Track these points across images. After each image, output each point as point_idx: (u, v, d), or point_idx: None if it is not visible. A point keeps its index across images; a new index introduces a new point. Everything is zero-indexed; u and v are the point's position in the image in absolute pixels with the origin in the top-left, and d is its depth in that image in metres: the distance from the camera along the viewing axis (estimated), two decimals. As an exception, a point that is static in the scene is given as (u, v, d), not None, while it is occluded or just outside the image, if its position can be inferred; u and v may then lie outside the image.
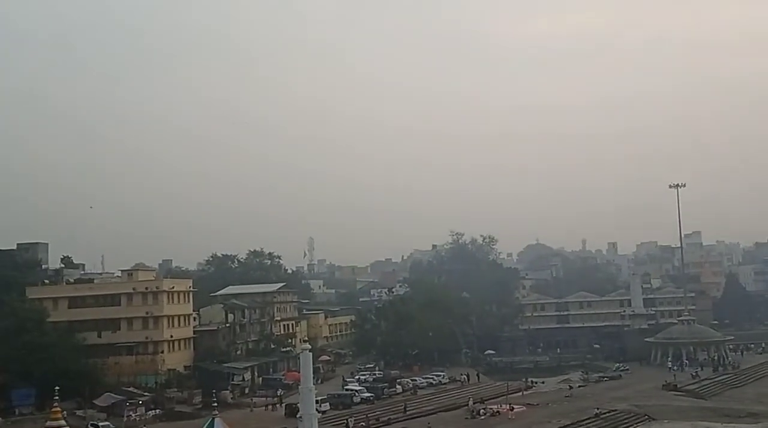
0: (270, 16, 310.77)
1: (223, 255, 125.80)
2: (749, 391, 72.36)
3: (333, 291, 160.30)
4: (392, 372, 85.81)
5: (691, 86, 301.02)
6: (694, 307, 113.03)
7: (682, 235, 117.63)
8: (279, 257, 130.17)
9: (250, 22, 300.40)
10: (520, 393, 70.70)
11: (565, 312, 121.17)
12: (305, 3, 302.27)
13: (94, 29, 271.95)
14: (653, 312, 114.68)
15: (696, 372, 79.98)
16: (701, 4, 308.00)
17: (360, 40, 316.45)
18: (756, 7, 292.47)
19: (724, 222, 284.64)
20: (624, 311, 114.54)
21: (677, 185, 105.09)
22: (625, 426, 55.44)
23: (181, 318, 77.25)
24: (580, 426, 53.23)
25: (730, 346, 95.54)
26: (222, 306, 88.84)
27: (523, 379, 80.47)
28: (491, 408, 60.06)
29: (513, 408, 60.04)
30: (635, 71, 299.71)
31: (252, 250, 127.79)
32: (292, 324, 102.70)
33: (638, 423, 56.23)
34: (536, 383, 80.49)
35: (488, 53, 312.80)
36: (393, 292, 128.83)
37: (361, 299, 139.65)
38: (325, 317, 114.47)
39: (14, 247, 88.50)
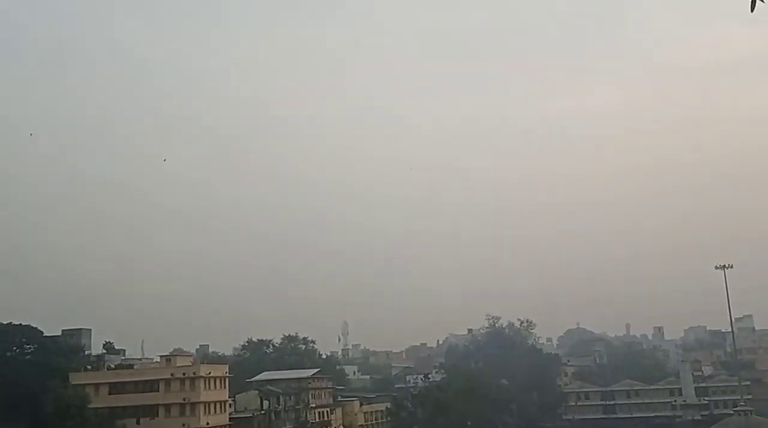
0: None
1: (258, 340, 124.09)
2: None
3: (368, 376, 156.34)
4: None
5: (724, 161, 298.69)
6: (750, 396, 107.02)
7: (733, 319, 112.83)
8: (313, 342, 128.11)
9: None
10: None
11: (611, 402, 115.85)
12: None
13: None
14: (706, 401, 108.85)
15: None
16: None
17: (378, 121, 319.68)
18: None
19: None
20: (675, 400, 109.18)
21: (724, 267, 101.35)
22: None
23: (218, 405, 74.92)
24: None
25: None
26: (257, 392, 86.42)
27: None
28: None
29: None
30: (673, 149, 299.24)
31: (286, 335, 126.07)
32: (327, 412, 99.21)
33: None
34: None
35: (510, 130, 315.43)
36: (429, 378, 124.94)
37: (396, 385, 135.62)
38: (360, 404, 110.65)
39: (59, 333, 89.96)
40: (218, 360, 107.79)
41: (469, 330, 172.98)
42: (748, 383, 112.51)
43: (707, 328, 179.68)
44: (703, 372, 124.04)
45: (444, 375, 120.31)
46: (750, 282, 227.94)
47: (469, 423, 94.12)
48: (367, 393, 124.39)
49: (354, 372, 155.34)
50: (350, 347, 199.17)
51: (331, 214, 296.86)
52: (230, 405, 79.90)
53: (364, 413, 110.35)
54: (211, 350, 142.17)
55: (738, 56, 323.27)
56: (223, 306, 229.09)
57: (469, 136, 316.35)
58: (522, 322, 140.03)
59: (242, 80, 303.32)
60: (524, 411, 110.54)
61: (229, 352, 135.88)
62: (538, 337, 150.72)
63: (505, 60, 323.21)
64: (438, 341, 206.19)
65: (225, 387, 77.54)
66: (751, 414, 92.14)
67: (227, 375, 79.12)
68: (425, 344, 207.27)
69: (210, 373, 74.87)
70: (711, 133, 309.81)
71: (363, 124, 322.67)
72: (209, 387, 73.71)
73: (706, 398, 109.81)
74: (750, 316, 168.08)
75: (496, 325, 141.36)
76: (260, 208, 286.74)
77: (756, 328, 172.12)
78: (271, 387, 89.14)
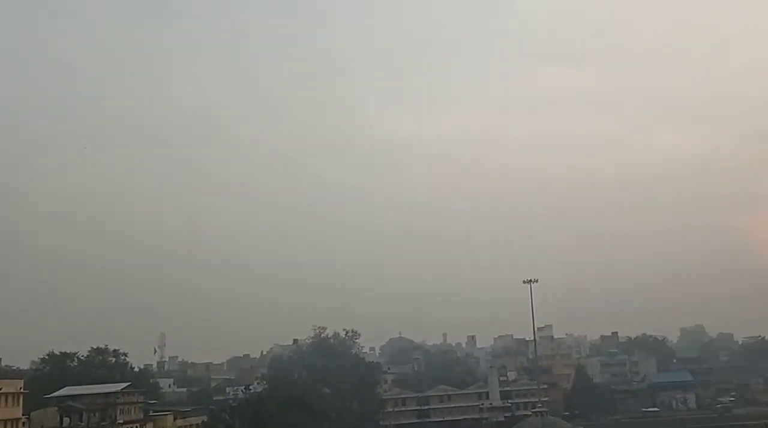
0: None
1: (61, 353, 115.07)
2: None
3: (185, 389, 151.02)
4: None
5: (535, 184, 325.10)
6: (546, 399, 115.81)
7: (536, 329, 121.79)
8: (125, 354, 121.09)
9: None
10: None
11: (426, 407, 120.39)
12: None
13: None
14: (509, 404, 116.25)
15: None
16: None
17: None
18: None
19: (572, 316, 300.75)
20: (483, 404, 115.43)
21: (530, 281, 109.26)
22: None
23: (9, 424, 69.09)
24: None
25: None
26: (56, 409, 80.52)
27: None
28: None
29: None
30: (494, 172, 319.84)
31: (94, 347, 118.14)
32: (137, 427, 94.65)
33: None
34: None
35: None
36: (250, 390, 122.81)
37: (215, 398, 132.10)
38: (174, 418, 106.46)
39: None
40: (12, 374, 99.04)
41: (295, 341, 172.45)
42: (546, 386, 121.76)
43: (514, 337, 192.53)
44: (508, 377, 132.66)
45: (266, 386, 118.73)
46: (551, 296, 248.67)
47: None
48: (183, 406, 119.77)
49: (170, 385, 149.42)
50: (167, 359, 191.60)
51: (144, 217, 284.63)
52: (24, 423, 73.95)
53: (179, 427, 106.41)
54: (4, 364, 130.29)
55: (552, 94, 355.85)
56: (21, 316, 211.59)
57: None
58: (347, 332, 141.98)
59: None
60: (344, 419, 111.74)
61: (25, 366, 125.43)
62: (362, 346, 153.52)
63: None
64: (262, 352, 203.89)
65: (18, 405, 71.70)
66: (546, 414, 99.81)
67: (22, 391, 73.19)
68: (248, 355, 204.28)
69: (0, 389, 68.94)
70: (521, 158, 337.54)
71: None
72: (-1, 404, 67.88)
73: (509, 401, 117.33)
74: (550, 326, 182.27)
75: (322, 335, 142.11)
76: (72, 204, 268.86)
77: (555, 337, 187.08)
78: (73, 404, 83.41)
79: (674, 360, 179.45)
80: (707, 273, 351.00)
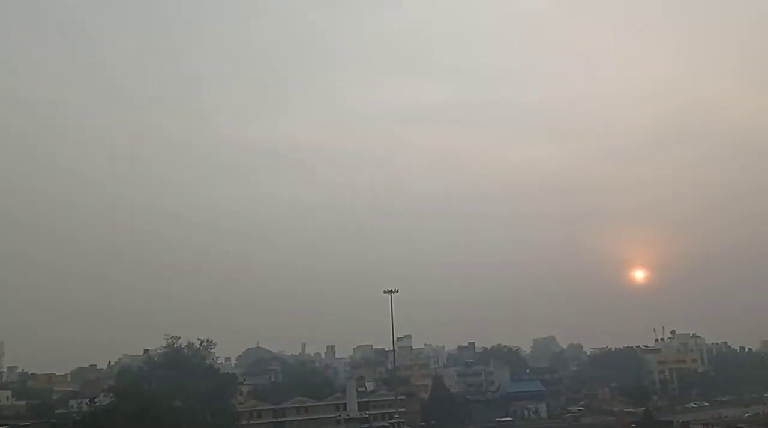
0: None
1: None
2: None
3: (24, 402, 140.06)
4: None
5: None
6: (404, 409, 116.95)
7: (395, 339, 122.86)
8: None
9: None
10: None
11: (282, 419, 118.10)
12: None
13: None
14: (367, 415, 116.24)
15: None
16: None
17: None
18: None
19: (431, 326, 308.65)
20: (340, 415, 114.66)
21: (391, 291, 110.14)
22: None
23: None
24: None
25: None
26: None
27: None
28: None
29: None
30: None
31: None
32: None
33: None
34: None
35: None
36: (95, 402, 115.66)
37: (57, 411, 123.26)
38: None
39: None
40: None
41: (146, 351, 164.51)
42: (403, 397, 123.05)
43: (373, 347, 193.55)
44: (366, 387, 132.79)
45: (112, 399, 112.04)
46: (411, 306, 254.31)
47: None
48: (22, 420, 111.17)
49: (7, 397, 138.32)
50: (5, 370, 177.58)
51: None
52: None
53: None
54: None
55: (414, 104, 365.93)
56: None
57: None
58: (202, 342, 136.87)
59: None
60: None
61: None
62: (217, 357, 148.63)
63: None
64: (110, 362, 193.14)
65: None
66: (403, 425, 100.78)
67: None
68: (95, 365, 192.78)
69: None
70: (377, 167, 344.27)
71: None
72: None
73: (367, 412, 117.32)
74: (409, 336, 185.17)
75: (175, 345, 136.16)
76: None
77: (413, 347, 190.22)
78: None
79: (527, 370, 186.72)
80: (558, 286, 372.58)
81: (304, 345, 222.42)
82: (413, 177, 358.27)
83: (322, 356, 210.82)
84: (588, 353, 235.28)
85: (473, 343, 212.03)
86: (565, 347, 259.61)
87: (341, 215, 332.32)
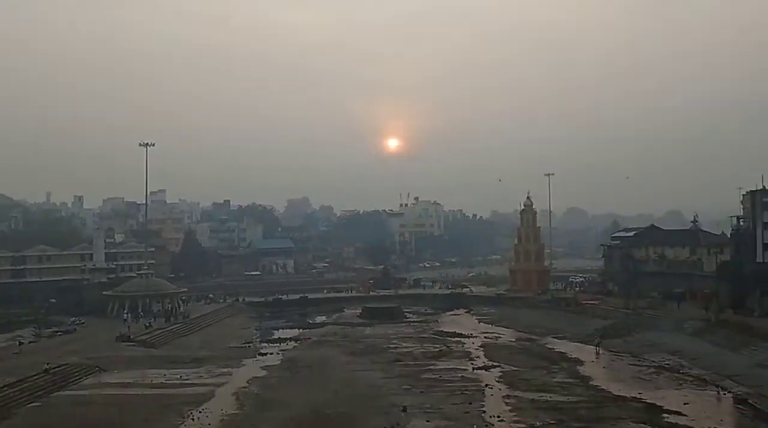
0: None
1: None
2: (195, 339, 79.53)
3: None
4: None
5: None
6: (153, 261, 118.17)
7: (148, 193, 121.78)
8: None
9: None
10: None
11: (22, 266, 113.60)
12: None
13: None
14: (114, 266, 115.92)
15: (149, 322, 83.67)
16: None
17: None
18: None
19: (187, 181, 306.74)
20: (85, 265, 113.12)
21: (147, 144, 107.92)
22: (75, 378, 55.57)
23: None
24: (27, 382, 51.35)
25: (183, 298, 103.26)
26: None
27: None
28: None
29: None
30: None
31: None
32: None
33: (88, 375, 57.08)
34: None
35: None
36: None
37: None
38: None
39: None
40: None
41: None
42: (153, 250, 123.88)
43: (125, 199, 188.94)
44: (115, 239, 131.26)
45: None
46: (167, 160, 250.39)
47: None
48: None
49: None
50: None
51: None
52: None
53: None
54: None
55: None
56: None
57: None
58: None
59: None
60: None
61: None
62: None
63: None
64: None
65: None
66: (151, 276, 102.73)
67: None
68: None
69: None
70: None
71: None
72: None
73: (115, 263, 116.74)
74: (163, 191, 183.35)
75: None
76: None
77: (167, 201, 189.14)
78: None
79: (279, 229, 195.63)
80: (314, 149, 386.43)
81: (49, 194, 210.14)
82: (182, 23, 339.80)
83: (69, 206, 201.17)
84: (338, 215, 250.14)
85: (228, 201, 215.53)
86: (317, 208, 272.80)
87: (104, 60, 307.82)
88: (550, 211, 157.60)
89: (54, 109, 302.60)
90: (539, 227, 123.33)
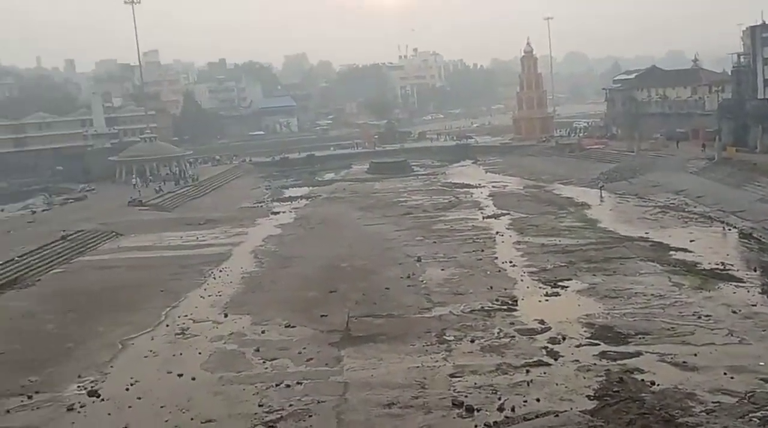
0: None
1: None
2: (207, 201, 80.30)
3: None
4: None
5: None
6: (155, 125, 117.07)
7: (141, 54, 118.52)
8: None
9: None
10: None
11: (23, 135, 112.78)
12: None
13: None
14: (116, 131, 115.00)
15: (159, 186, 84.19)
16: None
17: None
18: None
19: (180, 41, 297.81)
20: (86, 131, 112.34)
21: (132, 1, 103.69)
22: (93, 243, 56.64)
23: None
24: (46, 249, 52.44)
25: (190, 160, 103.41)
26: None
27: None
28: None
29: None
30: None
31: None
32: None
33: (105, 240, 58.15)
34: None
35: None
36: None
37: None
38: None
39: None
40: None
41: None
42: (154, 113, 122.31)
43: (117, 62, 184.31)
44: (113, 103, 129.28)
45: None
46: (156, 18, 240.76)
47: None
48: None
49: None
50: None
51: None
52: None
53: None
54: None
55: None
56: None
57: None
58: None
59: None
60: None
61: None
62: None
63: None
64: None
65: None
66: (155, 140, 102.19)
67: None
68: None
69: None
70: None
71: None
72: None
73: (116, 127, 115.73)
74: (156, 51, 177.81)
75: None
76: None
77: (162, 63, 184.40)
78: None
79: (279, 87, 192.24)
80: (309, 4, 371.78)
81: (39, 59, 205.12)
82: None
83: (61, 70, 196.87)
84: (337, 70, 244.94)
85: (224, 59, 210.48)
86: (315, 64, 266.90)
87: None
88: (551, 57, 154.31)
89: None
90: (540, 73, 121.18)
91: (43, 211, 74.12)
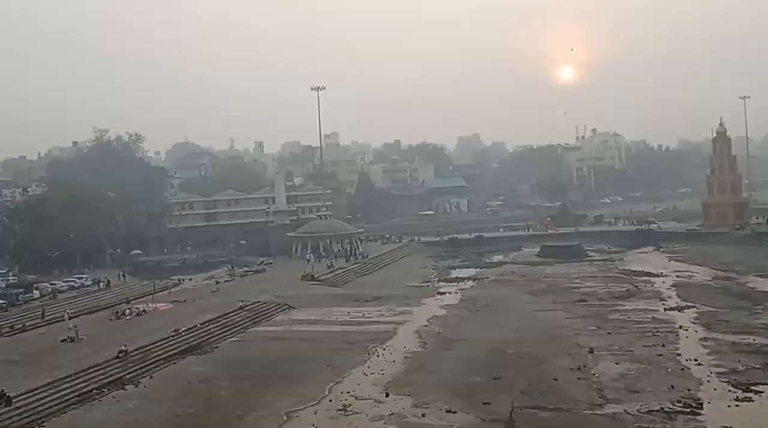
0: None
1: None
2: (375, 278, 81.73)
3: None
4: (29, 276, 79.07)
5: None
6: (331, 203, 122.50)
7: (322, 136, 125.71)
8: None
9: None
10: (167, 292, 70.64)
11: (213, 211, 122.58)
12: None
13: None
14: (295, 208, 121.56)
15: (331, 262, 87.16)
16: None
17: None
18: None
19: (358, 124, 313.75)
20: (269, 208, 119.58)
21: (318, 88, 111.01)
22: (267, 315, 59.07)
23: None
24: (226, 318, 55.31)
25: (361, 238, 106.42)
26: None
27: (170, 278, 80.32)
28: (137, 308, 59.42)
29: (159, 307, 60.14)
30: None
31: None
32: None
33: (279, 312, 60.40)
34: (183, 280, 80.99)
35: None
36: (28, 192, 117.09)
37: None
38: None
39: None
40: None
41: (74, 143, 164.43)
42: (330, 191, 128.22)
43: (300, 143, 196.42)
44: (294, 182, 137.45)
45: (45, 189, 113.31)
46: (339, 104, 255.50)
47: (71, 235, 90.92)
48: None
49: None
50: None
51: None
52: None
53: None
54: None
55: None
56: None
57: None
58: (130, 135, 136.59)
59: None
60: (130, 222, 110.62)
61: None
62: (147, 151, 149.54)
63: None
64: (39, 154, 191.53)
65: None
66: (330, 217, 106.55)
67: None
68: (24, 157, 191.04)
69: None
70: None
71: None
72: None
73: (295, 205, 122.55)
74: (336, 133, 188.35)
75: (104, 138, 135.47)
76: None
77: (341, 144, 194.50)
78: None
79: (451, 167, 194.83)
80: (484, 85, 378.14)
81: (232, 141, 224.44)
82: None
83: (251, 151, 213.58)
84: (510, 151, 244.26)
85: (399, 141, 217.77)
86: (488, 145, 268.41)
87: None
88: (747, 138, 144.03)
89: (227, 49, 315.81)
90: (735, 156, 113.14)
91: (226, 281, 78.80)
